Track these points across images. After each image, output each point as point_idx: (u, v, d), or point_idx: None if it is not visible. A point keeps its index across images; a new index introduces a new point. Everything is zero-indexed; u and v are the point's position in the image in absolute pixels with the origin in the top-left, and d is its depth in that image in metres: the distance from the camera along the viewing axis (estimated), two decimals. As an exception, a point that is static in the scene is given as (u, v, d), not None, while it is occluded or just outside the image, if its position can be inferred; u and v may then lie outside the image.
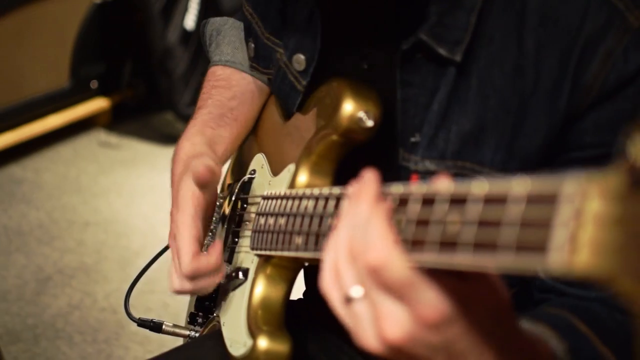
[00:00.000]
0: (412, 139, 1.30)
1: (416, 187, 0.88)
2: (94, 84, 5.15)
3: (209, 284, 1.48)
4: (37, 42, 4.71)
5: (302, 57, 1.44)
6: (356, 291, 0.91)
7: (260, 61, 1.60)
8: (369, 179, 0.95)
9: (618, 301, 1.20)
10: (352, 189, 0.96)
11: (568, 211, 0.67)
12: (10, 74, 4.61)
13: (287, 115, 1.57)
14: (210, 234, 1.64)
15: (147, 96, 5.33)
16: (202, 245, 1.49)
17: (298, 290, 1.65)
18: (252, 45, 1.62)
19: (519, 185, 0.73)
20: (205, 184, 1.46)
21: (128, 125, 5.33)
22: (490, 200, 0.76)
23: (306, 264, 1.44)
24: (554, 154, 1.25)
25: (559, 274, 0.68)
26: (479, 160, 1.26)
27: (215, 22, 1.83)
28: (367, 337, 0.90)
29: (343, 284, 0.93)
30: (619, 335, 1.19)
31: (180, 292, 1.49)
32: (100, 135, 5.22)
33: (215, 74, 1.74)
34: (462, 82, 1.26)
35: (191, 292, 1.53)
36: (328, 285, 0.95)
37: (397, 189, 0.92)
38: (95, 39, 5.08)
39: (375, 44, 1.39)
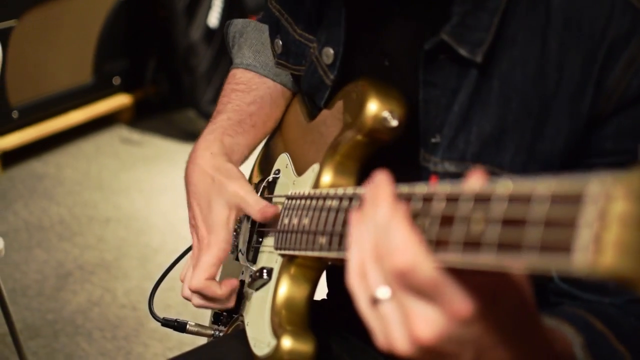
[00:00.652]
0: (433, 140, 1.30)
1: (440, 187, 0.88)
2: (116, 81, 5.17)
3: (208, 306, 1.58)
4: (60, 38, 4.73)
5: (331, 50, 1.44)
6: (383, 292, 0.90)
7: (290, 57, 1.59)
8: (383, 180, 0.94)
9: (632, 307, 1.20)
10: (367, 191, 0.95)
11: (593, 212, 0.67)
12: (34, 69, 4.63)
13: (311, 115, 1.57)
14: (234, 233, 1.63)
15: (169, 93, 5.35)
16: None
17: (322, 291, 1.64)
18: (280, 42, 1.61)
19: (544, 185, 0.72)
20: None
21: (150, 122, 5.35)
22: (515, 200, 0.75)
23: (329, 264, 1.43)
24: (575, 159, 1.24)
25: (584, 275, 0.68)
26: (499, 162, 1.25)
27: (238, 23, 1.82)
28: (397, 338, 0.90)
29: (369, 285, 0.92)
30: (635, 338, 1.19)
31: (185, 298, 1.57)
32: (122, 132, 5.24)
33: (235, 76, 1.74)
34: (484, 83, 1.25)
35: (197, 305, 1.57)
36: (354, 285, 0.94)
37: (421, 188, 0.91)
38: (119, 35, 5.10)
39: (397, 42, 1.38)
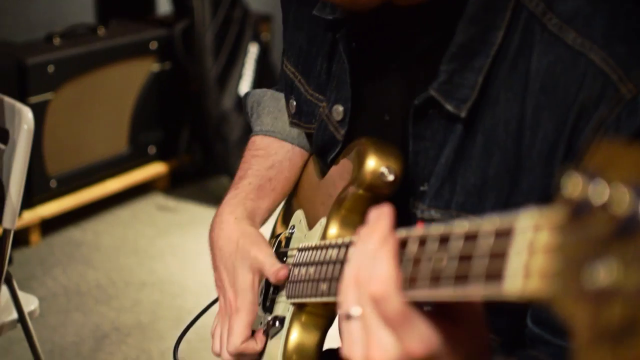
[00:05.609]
0: (421, 188, 1.39)
1: (415, 230, 0.97)
2: (151, 150, 5.26)
3: None
4: (96, 110, 4.85)
5: (340, 107, 1.52)
6: (355, 311, 1.00)
7: (302, 117, 1.68)
8: (383, 213, 1.03)
9: None
10: (370, 217, 1.04)
11: (521, 242, 0.75)
12: (72, 139, 4.74)
13: (322, 172, 1.66)
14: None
15: (203, 161, 5.43)
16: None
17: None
18: (294, 102, 1.70)
19: (489, 222, 0.81)
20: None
21: (185, 189, 5.45)
22: (468, 237, 0.84)
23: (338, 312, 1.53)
24: None
25: (515, 299, 0.76)
26: (481, 212, 1.31)
27: (255, 93, 1.92)
28: (356, 354, 1.00)
29: (347, 301, 1.02)
30: None
31: (217, 355, 1.66)
32: (158, 199, 5.34)
33: (255, 143, 1.82)
34: (469, 138, 1.33)
35: None
36: (339, 297, 1.05)
37: (400, 232, 1.00)
38: (153, 106, 5.20)
39: (395, 97, 1.47)
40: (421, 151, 1.39)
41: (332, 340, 1.65)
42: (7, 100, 2.55)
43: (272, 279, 1.59)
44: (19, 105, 2.49)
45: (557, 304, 0.66)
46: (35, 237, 4.64)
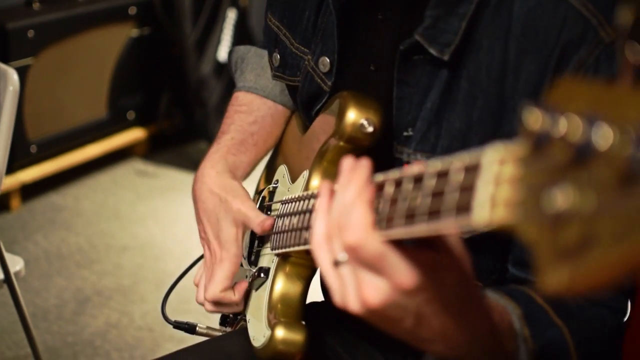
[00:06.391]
0: (405, 134, 1.44)
1: (392, 173, 1.02)
2: (131, 115, 5.27)
3: (223, 311, 1.73)
4: (76, 75, 4.86)
5: (327, 59, 1.57)
6: (342, 256, 1.04)
7: (286, 70, 1.72)
8: (362, 165, 1.07)
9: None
10: (345, 168, 1.08)
11: (488, 175, 0.80)
12: (51, 105, 4.75)
13: (304, 128, 1.71)
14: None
15: (182, 126, 5.46)
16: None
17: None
18: (278, 55, 1.74)
19: (459, 159, 0.87)
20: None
21: (164, 154, 5.48)
22: (440, 174, 0.89)
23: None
24: None
25: (483, 228, 0.81)
26: None
27: (239, 50, 1.97)
28: (350, 299, 1.03)
29: (332, 249, 1.05)
30: (576, 315, 1.29)
31: (200, 304, 1.73)
32: (137, 164, 5.37)
33: (238, 99, 1.88)
34: (453, 83, 1.38)
35: (209, 311, 1.73)
36: (316, 249, 1.08)
37: (378, 177, 1.05)
38: (132, 71, 5.21)
39: (381, 47, 1.52)
40: (405, 97, 1.44)
41: (314, 294, 1.71)
42: (-9, 62, 2.57)
43: (257, 230, 1.64)
44: (3, 67, 2.51)
45: (520, 230, 0.72)
46: (15, 202, 4.66)
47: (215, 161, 1.75)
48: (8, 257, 2.70)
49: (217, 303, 1.68)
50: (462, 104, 1.38)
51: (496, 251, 1.41)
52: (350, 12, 1.55)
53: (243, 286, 1.68)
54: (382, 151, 1.44)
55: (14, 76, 2.49)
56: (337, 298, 1.06)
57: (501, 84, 1.35)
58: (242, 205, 1.67)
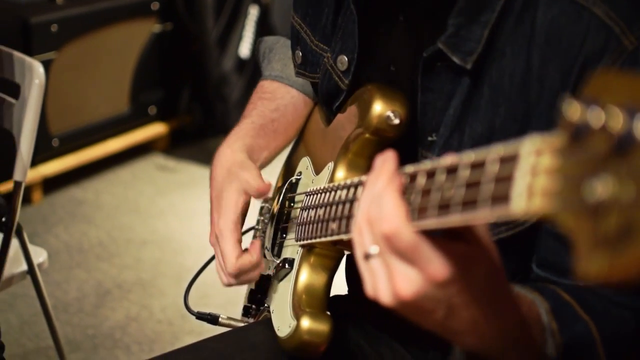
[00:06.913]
0: (429, 139, 1.45)
1: (423, 164, 1.04)
2: (152, 110, 5.30)
3: (251, 278, 1.70)
4: (98, 69, 4.89)
5: (345, 58, 1.59)
6: (373, 249, 1.05)
7: (307, 67, 1.74)
8: (388, 157, 1.09)
9: (605, 290, 1.33)
10: (375, 164, 1.10)
11: (525, 166, 0.81)
12: (73, 99, 4.78)
13: (328, 120, 1.72)
14: (262, 234, 1.80)
15: (203, 122, 5.47)
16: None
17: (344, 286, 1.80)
18: (300, 53, 1.76)
19: (494, 151, 0.88)
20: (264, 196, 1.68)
21: (185, 149, 5.50)
22: (475, 166, 0.90)
23: (346, 253, 1.60)
24: None
25: (522, 217, 0.82)
26: None
27: (269, 40, 1.99)
28: (382, 290, 1.04)
29: (364, 242, 1.07)
30: (601, 311, 1.30)
31: (229, 286, 1.71)
32: (158, 159, 5.40)
33: (263, 87, 1.89)
34: (476, 90, 1.39)
35: (239, 284, 1.71)
36: (354, 239, 1.09)
37: (409, 168, 1.07)
38: (154, 66, 5.24)
39: (402, 50, 1.53)
40: (429, 102, 1.45)
41: (338, 289, 1.73)
42: (18, 55, 2.59)
43: (254, 194, 1.65)
44: (29, 60, 2.53)
45: (559, 219, 0.73)
46: (37, 195, 4.70)
47: (232, 141, 1.77)
48: (31, 248, 2.72)
49: (240, 273, 1.66)
50: (485, 111, 1.39)
51: (521, 252, 1.42)
52: (370, 12, 1.56)
53: (257, 244, 1.67)
54: (408, 155, 1.46)
55: (39, 69, 2.51)
56: (369, 289, 1.07)
57: (525, 91, 1.35)
58: (249, 175, 1.68)
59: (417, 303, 1.03)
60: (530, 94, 1.35)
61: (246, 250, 1.67)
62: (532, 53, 1.34)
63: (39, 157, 4.56)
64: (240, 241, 1.67)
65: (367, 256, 1.06)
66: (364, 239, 1.07)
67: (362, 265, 1.07)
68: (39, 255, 2.77)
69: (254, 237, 1.88)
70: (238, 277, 1.67)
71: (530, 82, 1.35)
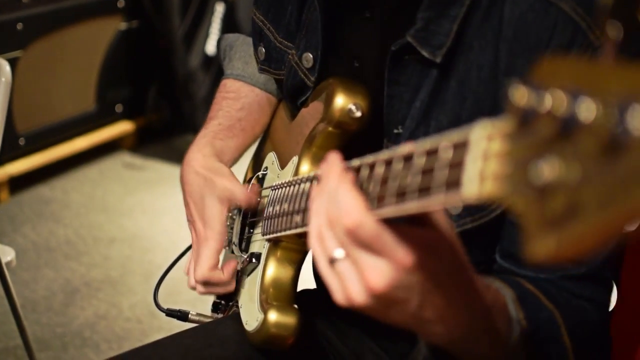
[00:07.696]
0: (395, 131, 1.46)
1: (382, 154, 1.04)
2: (119, 108, 5.29)
3: (216, 292, 1.73)
4: (64, 67, 4.87)
5: (310, 55, 1.59)
6: (339, 253, 1.02)
7: (271, 63, 1.75)
8: (333, 158, 1.08)
9: (565, 283, 1.34)
10: (321, 168, 1.09)
11: (476, 151, 0.83)
12: (40, 98, 4.77)
13: (292, 115, 1.73)
14: (229, 229, 1.81)
15: (170, 119, 5.47)
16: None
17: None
18: (263, 49, 1.76)
19: (448, 137, 0.89)
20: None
21: (152, 147, 5.50)
22: (430, 153, 0.91)
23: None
24: None
25: (474, 202, 0.83)
26: None
27: (228, 37, 2.00)
28: (354, 291, 1.01)
29: (327, 247, 1.04)
30: (565, 303, 1.32)
31: (193, 289, 1.73)
32: (125, 157, 5.39)
33: (226, 86, 1.90)
34: (443, 83, 1.40)
35: (201, 293, 1.74)
36: (314, 248, 1.07)
37: (355, 162, 1.08)
38: (121, 64, 5.23)
39: (366, 45, 1.54)
40: (396, 95, 1.46)
41: (306, 283, 1.74)
42: (-18, 53, 2.58)
43: (243, 203, 1.67)
44: (-5, 58, 2.53)
45: (508, 202, 0.74)
46: (4, 195, 4.68)
47: (202, 145, 1.78)
48: (-1, 247, 2.71)
49: (207, 283, 1.69)
50: (451, 104, 1.40)
51: (486, 244, 1.43)
52: (334, 9, 1.57)
53: (232, 265, 1.69)
54: (373, 148, 1.46)
55: (6, 67, 2.50)
56: (340, 296, 1.03)
57: (493, 85, 1.36)
58: (227, 182, 1.69)
59: (391, 294, 1.01)
60: (497, 88, 1.36)
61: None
62: (500, 47, 1.35)
63: (5, 156, 4.54)
64: (219, 252, 1.70)
65: (332, 261, 1.03)
66: (326, 243, 1.05)
67: (328, 273, 1.05)
68: (6, 254, 2.76)
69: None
70: (204, 285, 1.70)
71: (498, 76, 1.36)
